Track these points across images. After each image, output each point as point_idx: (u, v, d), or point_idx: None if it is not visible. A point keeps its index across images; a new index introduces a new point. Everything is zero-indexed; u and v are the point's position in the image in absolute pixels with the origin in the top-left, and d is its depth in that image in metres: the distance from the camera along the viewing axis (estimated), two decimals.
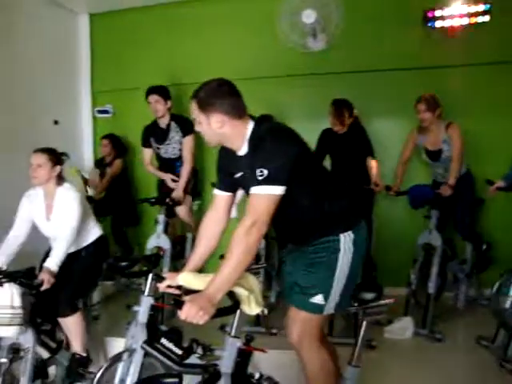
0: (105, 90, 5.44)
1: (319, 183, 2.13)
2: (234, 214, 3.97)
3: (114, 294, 4.70)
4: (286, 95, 4.83)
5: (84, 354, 3.05)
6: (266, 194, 1.90)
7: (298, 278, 2.20)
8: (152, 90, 4.28)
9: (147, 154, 4.47)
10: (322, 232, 2.14)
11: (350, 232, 2.12)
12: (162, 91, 4.28)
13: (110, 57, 5.38)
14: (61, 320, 3.00)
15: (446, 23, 4.29)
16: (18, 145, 4.25)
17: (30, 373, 2.70)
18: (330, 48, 4.46)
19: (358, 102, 4.36)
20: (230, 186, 2.25)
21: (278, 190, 1.91)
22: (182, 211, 4.35)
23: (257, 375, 2.32)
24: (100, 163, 5.13)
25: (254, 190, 1.92)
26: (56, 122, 4.99)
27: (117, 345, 3.35)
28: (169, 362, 1.78)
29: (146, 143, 4.46)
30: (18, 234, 3.02)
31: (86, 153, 5.46)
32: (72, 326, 3.00)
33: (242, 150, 2.07)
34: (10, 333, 2.62)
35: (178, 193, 4.18)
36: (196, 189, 4.55)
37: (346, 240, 2.11)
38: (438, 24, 4.31)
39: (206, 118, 2.01)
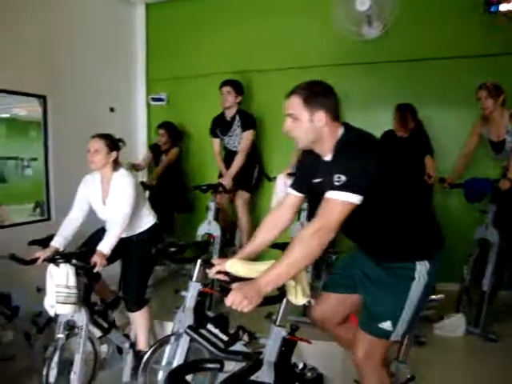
0: (159, 78, 5.52)
1: (400, 200, 2.03)
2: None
3: (165, 279, 4.81)
4: (341, 84, 4.71)
5: (146, 349, 3.10)
6: (340, 201, 1.84)
7: (365, 298, 2.16)
8: (227, 82, 4.45)
9: (215, 143, 4.67)
10: (398, 255, 2.07)
11: (426, 261, 2.03)
12: (235, 85, 4.45)
13: (165, 46, 5.45)
14: (129, 314, 3.17)
15: None
16: (76, 132, 4.40)
17: (84, 349, 2.82)
18: (386, 36, 4.32)
19: (413, 91, 4.24)
20: (304, 188, 2.23)
21: (354, 198, 1.84)
22: (238, 202, 4.49)
23: (300, 365, 2.33)
24: (155, 149, 5.19)
25: (329, 194, 1.87)
26: (112, 110, 5.13)
27: (165, 328, 3.46)
28: (211, 348, 1.80)
29: (214, 133, 4.64)
30: (75, 218, 3.13)
31: (140, 140, 5.58)
32: (140, 319, 3.16)
33: (328, 156, 2.04)
34: (65, 310, 2.73)
35: (225, 179, 4.26)
36: (253, 184, 4.63)
37: (421, 269, 2.02)
38: (503, 7, 4.03)
39: (310, 115, 1.98)
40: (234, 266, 2.14)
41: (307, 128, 2.00)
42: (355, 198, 1.84)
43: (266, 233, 2.27)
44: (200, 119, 4.93)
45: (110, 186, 3.08)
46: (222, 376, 2.39)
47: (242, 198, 4.49)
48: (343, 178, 1.83)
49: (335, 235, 1.92)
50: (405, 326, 2.06)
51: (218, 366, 1.49)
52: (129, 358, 3.26)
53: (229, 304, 1.83)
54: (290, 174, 4.02)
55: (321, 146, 2.05)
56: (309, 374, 2.25)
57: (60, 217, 4.28)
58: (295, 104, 2.01)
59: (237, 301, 1.81)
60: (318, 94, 2.01)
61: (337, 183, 1.84)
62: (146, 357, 2.80)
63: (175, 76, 5.39)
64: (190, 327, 2.08)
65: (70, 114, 4.47)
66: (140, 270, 3.17)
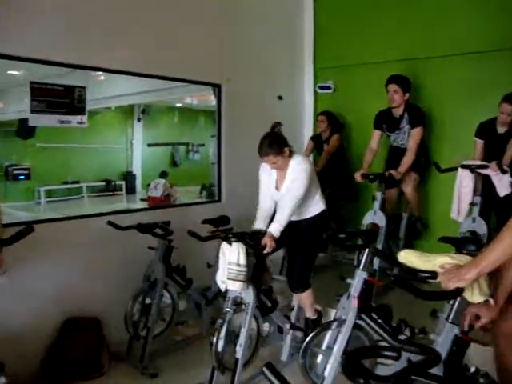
0: (327, 66, 5.52)
1: None
2: None
3: (324, 266, 4.85)
4: None
5: (314, 317, 3.34)
6: None
7: None
8: (393, 79, 4.28)
9: (376, 135, 4.51)
10: None
11: None
12: (403, 82, 4.27)
13: (333, 33, 5.43)
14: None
15: None
16: (246, 119, 4.67)
17: (249, 324, 2.97)
18: None
19: None
20: None
21: None
22: (407, 187, 4.40)
23: (472, 369, 2.19)
24: (317, 139, 5.25)
25: None
26: (280, 98, 5.23)
27: (325, 313, 3.50)
28: (386, 336, 1.78)
29: (378, 126, 4.51)
30: (263, 200, 3.26)
31: (306, 128, 5.64)
32: (304, 299, 3.29)
33: None
34: (234, 287, 2.91)
35: (396, 172, 4.15)
36: (423, 167, 4.50)
37: None
38: None
39: None
40: (408, 256, 2.08)
41: None
42: None
43: None
44: (366, 109, 4.82)
45: (287, 173, 3.15)
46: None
47: (410, 178, 4.36)
48: None
49: None
50: None
51: (395, 354, 1.46)
52: (288, 338, 3.38)
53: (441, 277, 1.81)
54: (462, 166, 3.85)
55: None
56: (481, 380, 2.10)
57: (229, 199, 4.58)
58: None
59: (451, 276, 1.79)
60: None
61: None
62: (307, 340, 2.88)
63: (343, 64, 5.35)
64: (364, 313, 2.07)
65: (240, 101, 4.69)
66: (306, 254, 3.24)
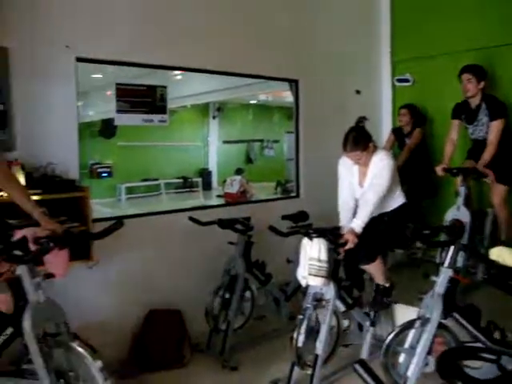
0: (405, 58, 5.39)
1: None
2: None
3: (404, 263, 4.76)
4: None
5: (387, 285, 3.29)
6: None
7: None
8: (466, 69, 4.16)
9: (455, 125, 4.38)
10: None
11: None
12: (476, 70, 4.13)
13: (410, 25, 5.29)
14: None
15: None
16: (323, 114, 4.65)
17: (329, 321, 2.95)
18: None
19: None
20: None
21: None
22: (495, 199, 4.19)
23: None
24: (397, 132, 5.12)
25: None
26: (358, 92, 5.17)
27: (404, 312, 3.40)
28: (481, 337, 1.70)
29: (457, 116, 4.37)
30: (345, 199, 3.23)
31: (384, 121, 5.54)
32: (372, 269, 3.26)
33: None
34: (315, 282, 2.90)
35: (479, 164, 3.98)
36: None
37: None
38: None
39: None
40: (501, 253, 1.97)
41: None
42: None
43: None
44: (447, 101, 4.63)
45: (369, 168, 3.12)
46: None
47: (499, 191, 4.14)
48: None
49: None
50: None
51: (494, 357, 1.38)
52: (368, 335, 3.32)
53: None
54: None
55: None
56: None
57: (307, 194, 4.56)
58: None
59: None
60: None
61: None
62: (388, 339, 2.80)
63: (421, 55, 5.19)
64: (454, 312, 1.99)
65: (318, 96, 4.68)
66: (380, 236, 3.18)
